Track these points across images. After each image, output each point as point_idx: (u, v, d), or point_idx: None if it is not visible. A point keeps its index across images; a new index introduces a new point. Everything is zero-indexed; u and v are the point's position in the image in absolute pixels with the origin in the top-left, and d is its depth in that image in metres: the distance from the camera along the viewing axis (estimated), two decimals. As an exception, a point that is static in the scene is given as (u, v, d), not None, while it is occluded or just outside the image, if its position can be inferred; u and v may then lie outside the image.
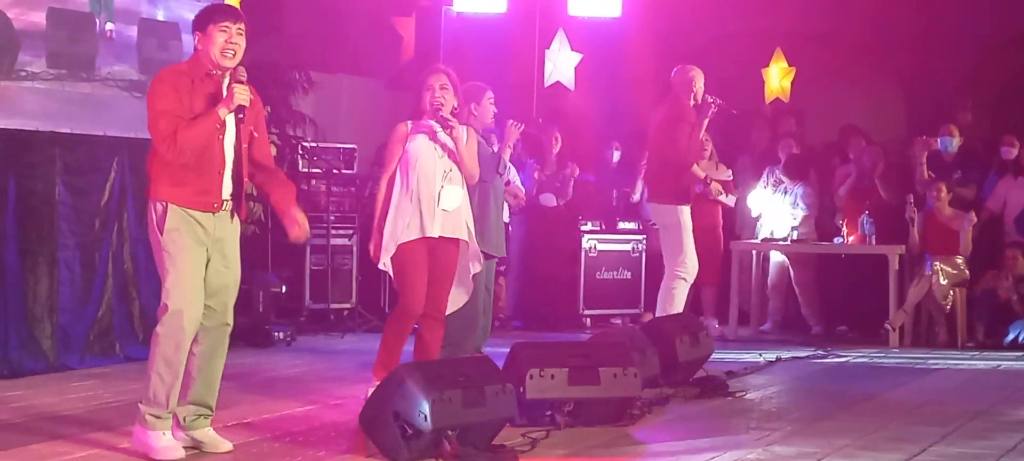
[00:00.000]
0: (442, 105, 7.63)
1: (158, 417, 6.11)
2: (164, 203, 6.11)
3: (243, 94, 6.17)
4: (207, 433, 6.36)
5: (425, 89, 7.70)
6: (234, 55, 6.19)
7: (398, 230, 7.67)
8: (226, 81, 6.23)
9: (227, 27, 6.18)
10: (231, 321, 6.49)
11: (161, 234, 6.11)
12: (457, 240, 7.79)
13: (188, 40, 10.06)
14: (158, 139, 6.11)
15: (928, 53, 16.81)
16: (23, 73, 9.00)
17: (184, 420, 6.32)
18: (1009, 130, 13.38)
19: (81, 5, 9.45)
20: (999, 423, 7.72)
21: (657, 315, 10.43)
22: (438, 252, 7.72)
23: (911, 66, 16.87)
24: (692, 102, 10.55)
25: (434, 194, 7.73)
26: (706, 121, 10.65)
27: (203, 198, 6.16)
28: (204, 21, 6.25)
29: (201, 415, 6.37)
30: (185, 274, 6.11)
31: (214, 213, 6.20)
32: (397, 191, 7.68)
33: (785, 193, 12.80)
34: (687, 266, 10.41)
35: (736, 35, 16.11)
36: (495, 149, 9.08)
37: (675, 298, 10.37)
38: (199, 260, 6.16)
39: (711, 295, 12.55)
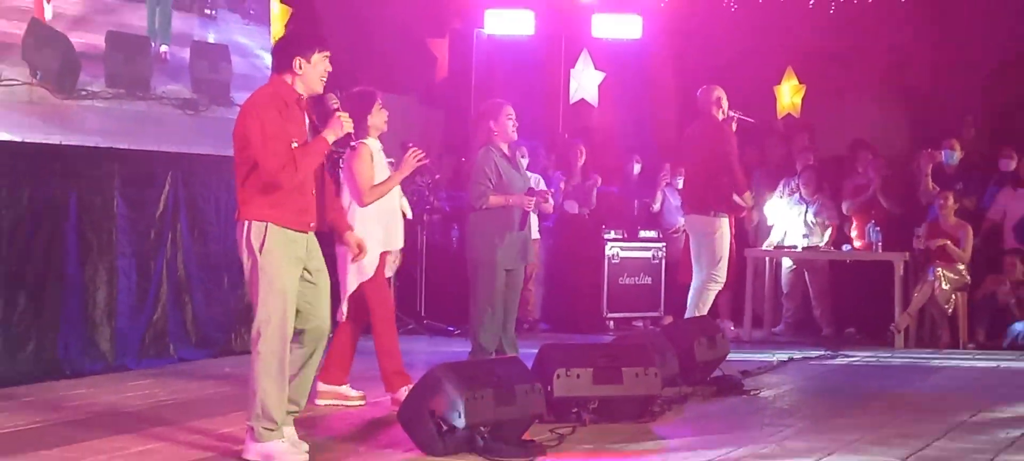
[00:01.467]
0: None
1: (272, 430, 6.04)
2: (264, 223, 6.03)
3: (348, 122, 6.25)
4: (289, 431, 6.27)
5: (380, 109, 7.85)
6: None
7: (381, 240, 7.87)
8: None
9: (327, 56, 6.21)
10: (328, 326, 6.51)
11: (259, 254, 6.02)
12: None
13: (237, 61, 10.25)
14: (276, 163, 5.96)
15: (935, 71, 16.82)
16: (84, 92, 9.08)
17: None
18: (1008, 143, 13.40)
19: (138, 29, 9.53)
20: (1000, 420, 7.71)
21: (688, 314, 10.54)
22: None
23: (918, 84, 16.86)
24: (720, 117, 10.66)
25: (397, 206, 8.06)
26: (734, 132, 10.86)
27: (301, 217, 6.14)
28: (309, 48, 6.19)
29: (289, 412, 6.27)
30: (281, 294, 6.05)
31: (309, 232, 6.23)
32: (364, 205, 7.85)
33: (806, 205, 12.84)
34: (723, 272, 10.51)
35: (750, 54, 16.13)
36: (526, 162, 9.12)
37: (708, 300, 10.48)
38: (295, 278, 6.11)
39: (726, 299, 12.56)
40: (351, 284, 7.80)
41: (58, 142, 8.87)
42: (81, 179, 9.10)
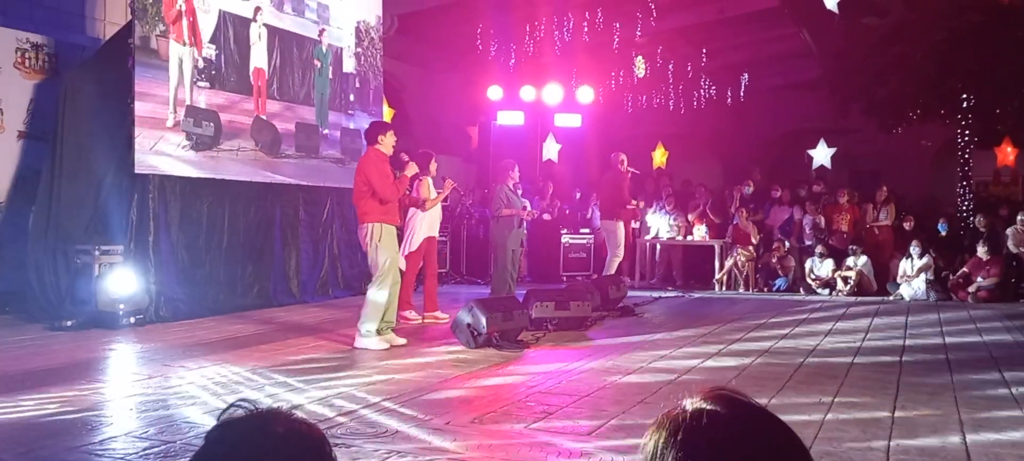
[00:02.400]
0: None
1: (371, 333, 6.23)
2: (380, 224, 6.18)
3: (413, 170, 6.58)
4: (390, 336, 6.45)
5: (434, 162, 7.97)
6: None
7: (426, 230, 7.97)
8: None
9: (392, 133, 6.47)
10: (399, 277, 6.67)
11: (378, 241, 6.17)
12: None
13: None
14: (391, 191, 6.25)
15: (737, 142, 16.90)
16: (284, 154, 9.14)
17: (379, 330, 6.37)
18: (776, 182, 13.45)
19: (312, 120, 9.58)
20: (768, 323, 7.79)
21: (605, 273, 10.43)
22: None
23: (729, 149, 16.94)
24: (622, 169, 10.59)
25: (439, 213, 8.23)
26: (629, 176, 10.64)
27: (393, 219, 6.33)
28: (383, 131, 6.44)
29: (389, 326, 6.51)
30: (389, 263, 6.22)
31: (397, 226, 6.39)
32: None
33: (668, 215, 12.89)
34: (620, 252, 10.37)
35: (640, 135, 16.20)
36: (520, 193, 9.13)
37: (614, 265, 10.33)
38: (396, 251, 6.33)
39: (627, 264, 12.57)
40: (405, 250, 7.92)
41: (270, 181, 8.91)
42: (282, 201, 9.15)
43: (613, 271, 10.32)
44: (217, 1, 8.19)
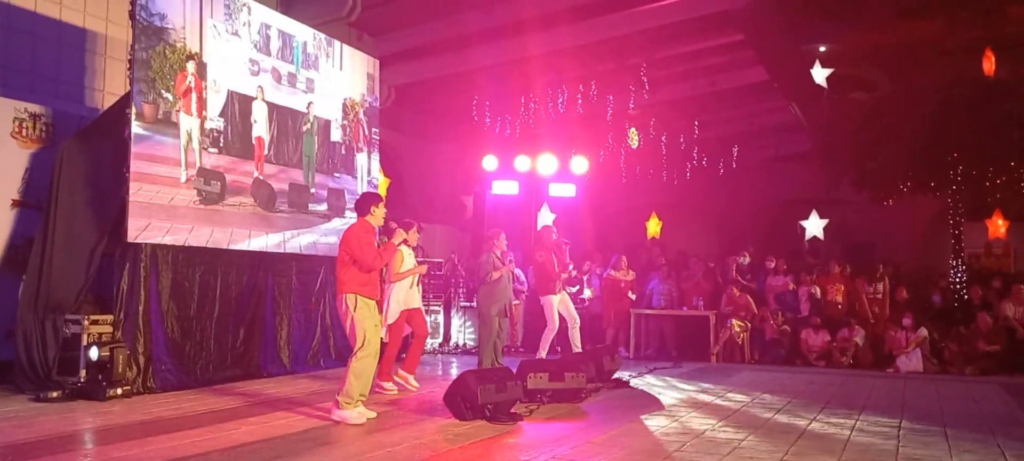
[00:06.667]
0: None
1: (351, 405, 6.12)
2: (356, 296, 6.11)
3: (400, 237, 6.57)
4: (361, 408, 6.25)
5: (415, 231, 7.94)
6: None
7: (402, 301, 7.94)
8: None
9: (382, 205, 6.47)
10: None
11: (354, 312, 6.09)
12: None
13: (347, 196, 10.37)
14: (371, 258, 6.16)
15: (729, 211, 16.98)
16: (279, 209, 9.18)
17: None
18: (771, 252, 13.47)
19: (301, 181, 9.63)
20: (764, 395, 7.69)
21: (540, 348, 9.57)
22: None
23: (721, 218, 17.01)
24: (553, 237, 9.83)
25: (415, 284, 8.16)
26: (566, 248, 9.87)
27: (373, 292, 6.23)
28: (374, 203, 6.42)
29: (362, 398, 6.30)
30: (370, 333, 6.13)
31: (376, 299, 6.29)
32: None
33: (660, 284, 12.84)
34: (553, 324, 9.45)
35: (633, 206, 16.29)
36: (510, 260, 9.08)
37: (547, 340, 9.55)
38: (376, 324, 6.21)
39: (623, 336, 12.45)
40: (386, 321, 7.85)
41: (264, 240, 8.90)
42: (275, 270, 9.12)
43: (546, 345, 9.57)
44: (226, 82, 8.70)
